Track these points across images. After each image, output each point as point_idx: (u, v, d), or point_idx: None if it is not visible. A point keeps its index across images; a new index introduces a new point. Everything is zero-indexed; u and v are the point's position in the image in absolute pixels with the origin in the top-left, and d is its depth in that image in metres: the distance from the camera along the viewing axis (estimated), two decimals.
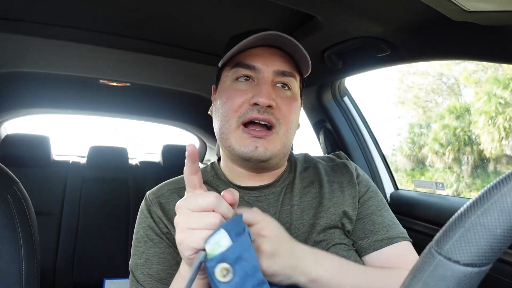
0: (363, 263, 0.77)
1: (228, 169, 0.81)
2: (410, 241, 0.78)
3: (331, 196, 0.80)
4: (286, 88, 0.76)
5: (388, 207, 0.83)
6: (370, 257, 0.76)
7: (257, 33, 0.73)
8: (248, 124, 0.72)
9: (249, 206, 0.76)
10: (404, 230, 0.79)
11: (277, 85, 0.75)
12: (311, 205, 0.78)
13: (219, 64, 0.79)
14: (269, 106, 0.71)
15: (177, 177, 0.86)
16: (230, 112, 0.73)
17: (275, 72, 0.74)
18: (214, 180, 0.82)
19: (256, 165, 0.74)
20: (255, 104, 0.71)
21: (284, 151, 0.76)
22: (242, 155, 0.72)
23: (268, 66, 0.73)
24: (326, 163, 0.89)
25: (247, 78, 0.74)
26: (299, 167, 0.86)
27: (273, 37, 0.71)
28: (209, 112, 0.84)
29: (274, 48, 0.75)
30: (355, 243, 0.78)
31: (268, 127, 0.73)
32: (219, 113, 0.76)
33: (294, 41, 0.71)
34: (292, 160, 0.88)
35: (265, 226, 0.59)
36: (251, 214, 0.59)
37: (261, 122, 0.72)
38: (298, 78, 0.79)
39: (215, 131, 0.79)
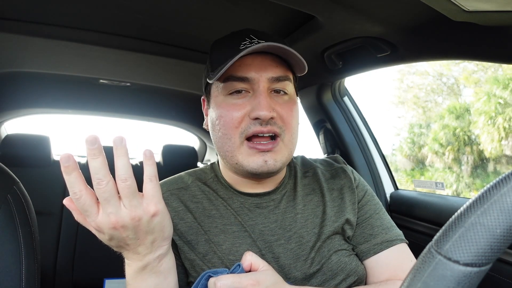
0: (364, 267, 0.77)
1: (229, 174, 0.81)
2: (407, 243, 0.80)
3: (333, 205, 0.80)
4: (283, 93, 0.73)
5: (384, 209, 0.85)
6: (370, 261, 0.77)
7: (240, 34, 0.72)
8: (252, 137, 0.70)
9: (249, 212, 0.76)
10: (401, 232, 0.81)
11: (273, 91, 0.73)
12: (314, 213, 0.79)
13: (211, 82, 0.75)
14: (271, 118, 0.69)
15: (175, 175, 0.85)
16: (230, 129, 0.70)
17: (270, 79, 0.71)
18: (214, 182, 0.82)
19: (266, 176, 0.73)
20: (256, 118, 0.68)
21: (290, 157, 0.75)
22: (251, 170, 0.70)
23: (261, 75, 0.70)
24: (325, 168, 0.89)
25: (241, 91, 0.71)
26: (299, 172, 0.86)
27: (267, 45, 0.68)
28: (204, 126, 0.82)
29: (264, 54, 0.72)
30: (355, 247, 0.79)
31: (273, 137, 0.71)
32: (217, 130, 0.73)
33: (287, 48, 0.68)
34: (291, 164, 0.88)
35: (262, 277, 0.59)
36: (247, 276, 0.59)
37: (265, 135, 0.70)
38: (291, 77, 0.77)
39: (216, 148, 0.76)
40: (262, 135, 0.70)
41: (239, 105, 0.71)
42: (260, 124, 0.69)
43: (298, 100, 0.84)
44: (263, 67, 0.71)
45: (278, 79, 0.72)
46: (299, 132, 0.80)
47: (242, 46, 0.69)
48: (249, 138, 0.70)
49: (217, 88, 0.74)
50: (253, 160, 0.69)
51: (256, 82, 0.70)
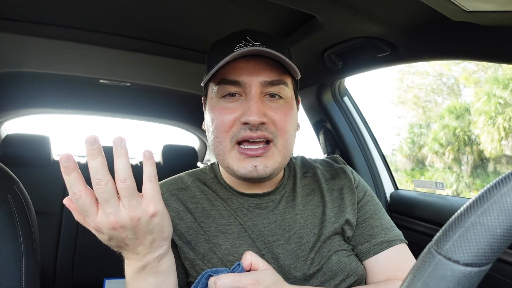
0: (364, 268, 0.78)
1: (228, 175, 0.80)
2: (406, 243, 0.79)
3: (333, 206, 0.80)
4: (278, 97, 0.71)
5: (383, 209, 0.85)
6: (370, 261, 0.77)
7: (238, 35, 0.71)
8: (243, 141, 0.69)
9: (248, 213, 0.76)
10: (400, 232, 0.81)
11: (267, 95, 0.71)
12: (314, 214, 0.78)
13: (202, 84, 0.75)
14: (262, 123, 0.67)
15: (175, 176, 0.85)
16: (221, 133, 0.70)
17: (263, 84, 0.69)
18: (213, 183, 0.82)
19: (257, 181, 0.73)
20: (246, 123, 0.67)
21: (285, 162, 0.74)
22: (241, 176, 0.70)
23: (254, 79, 0.68)
24: (324, 168, 0.89)
25: (234, 94, 0.70)
26: (298, 173, 0.85)
27: (254, 49, 0.66)
28: (202, 127, 0.81)
29: (258, 57, 0.70)
30: (355, 248, 0.79)
31: (265, 141, 0.70)
32: (211, 132, 0.72)
33: (274, 53, 0.66)
34: (290, 165, 0.87)
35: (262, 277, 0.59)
36: (248, 276, 0.59)
37: (256, 140, 0.69)
38: (290, 81, 0.74)
39: (211, 149, 0.75)
40: (252, 140, 0.69)
41: (230, 109, 0.70)
42: (250, 130, 0.67)
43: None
44: (256, 71, 0.69)
45: (271, 83, 0.70)
46: (298, 135, 0.79)
47: (236, 49, 0.68)
48: (240, 142, 0.69)
49: (212, 90, 0.74)
50: (243, 166, 0.68)
51: (248, 86, 0.69)
